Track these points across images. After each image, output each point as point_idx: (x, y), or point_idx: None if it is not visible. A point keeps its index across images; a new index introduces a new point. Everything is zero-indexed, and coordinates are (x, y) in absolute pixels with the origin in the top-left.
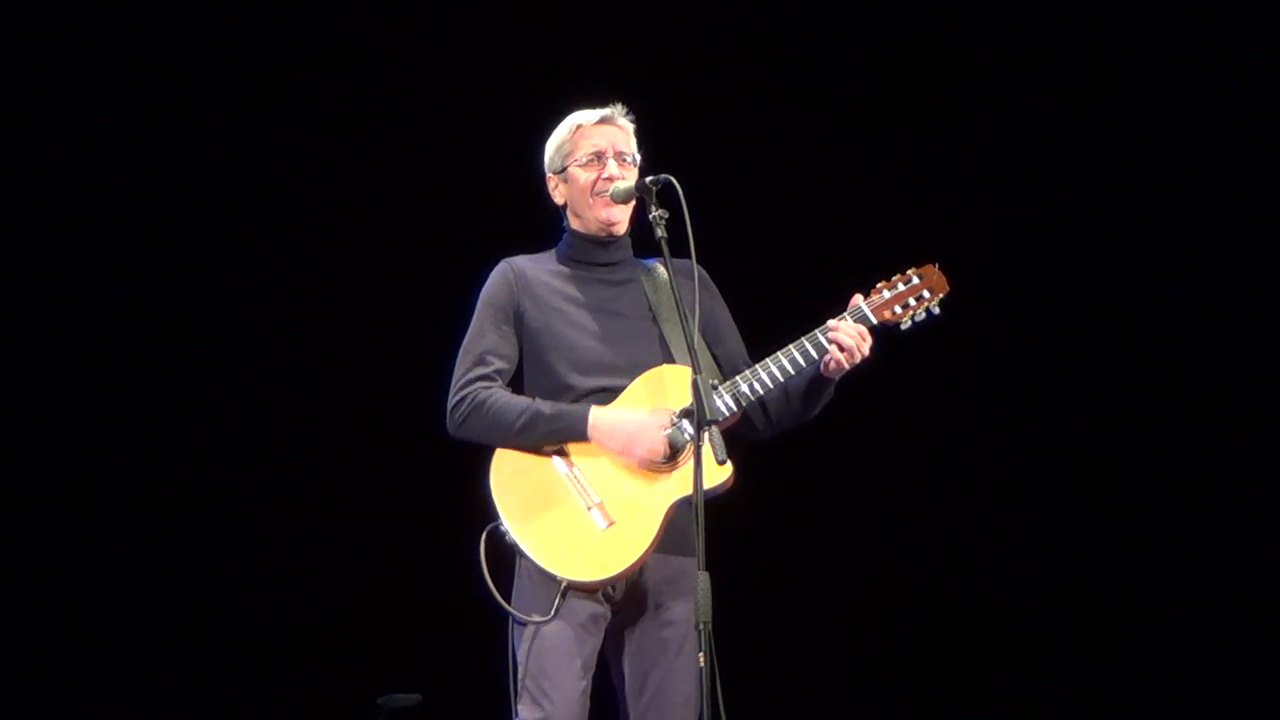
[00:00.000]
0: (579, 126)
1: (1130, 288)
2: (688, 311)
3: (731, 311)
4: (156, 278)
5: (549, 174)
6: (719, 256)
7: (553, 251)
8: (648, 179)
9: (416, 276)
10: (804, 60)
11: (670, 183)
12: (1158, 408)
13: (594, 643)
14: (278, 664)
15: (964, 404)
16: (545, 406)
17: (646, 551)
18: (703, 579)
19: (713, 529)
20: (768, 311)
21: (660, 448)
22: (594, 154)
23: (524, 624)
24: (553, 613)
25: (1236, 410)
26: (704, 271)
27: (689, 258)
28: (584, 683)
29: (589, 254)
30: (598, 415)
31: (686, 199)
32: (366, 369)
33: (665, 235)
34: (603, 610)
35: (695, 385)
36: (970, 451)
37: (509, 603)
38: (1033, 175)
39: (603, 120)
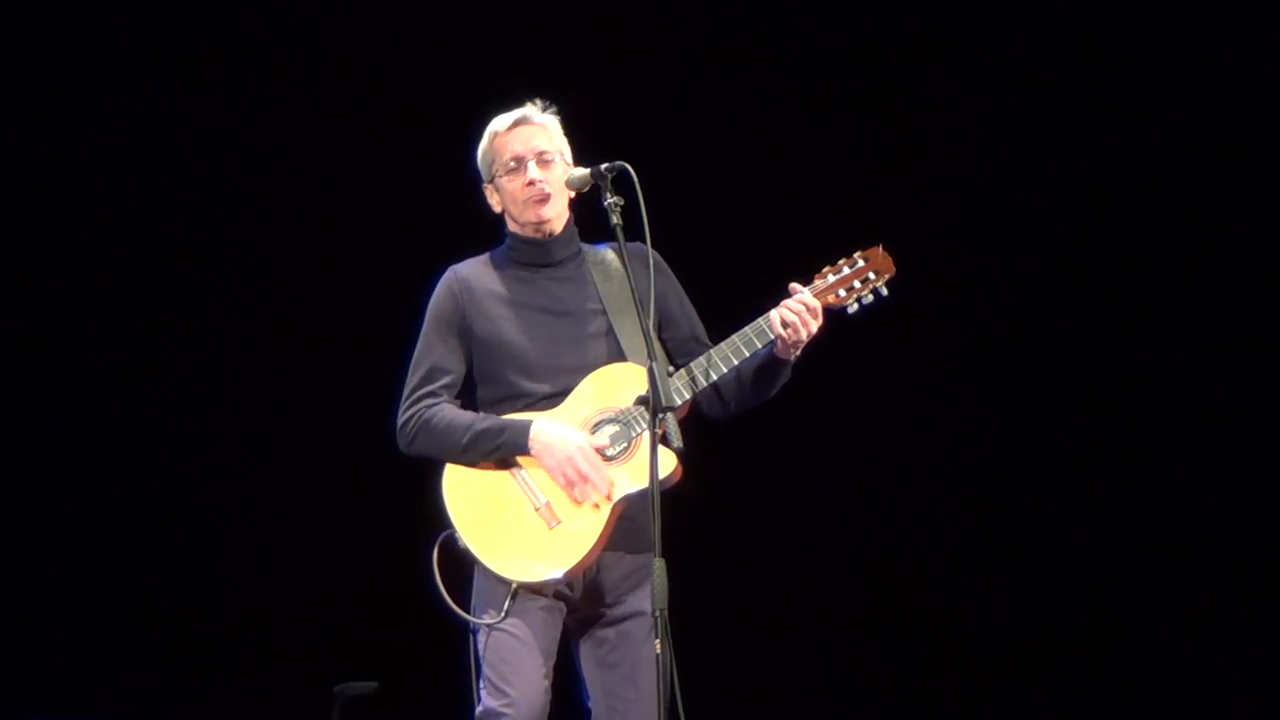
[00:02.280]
0: (495, 135)
1: (1121, 282)
2: (641, 299)
3: (689, 297)
4: (116, 282)
5: (484, 183)
6: (676, 241)
7: (496, 253)
8: (603, 165)
9: (374, 279)
10: (770, 41)
11: (625, 169)
12: (1152, 401)
13: (554, 633)
14: (236, 652)
15: (922, 391)
16: (489, 424)
17: (594, 549)
18: (659, 566)
19: (675, 518)
20: (725, 296)
21: (593, 474)
22: (514, 159)
23: (478, 628)
24: (503, 614)
25: (1238, 407)
26: (658, 255)
27: (645, 242)
28: (545, 668)
29: (532, 255)
30: (537, 432)
31: (642, 184)
32: (328, 368)
33: (620, 222)
34: (560, 604)
35: (651, 372)
36: (933, 440)
37: (469, 601)
38: (1003, 160)
39: (516, 124)
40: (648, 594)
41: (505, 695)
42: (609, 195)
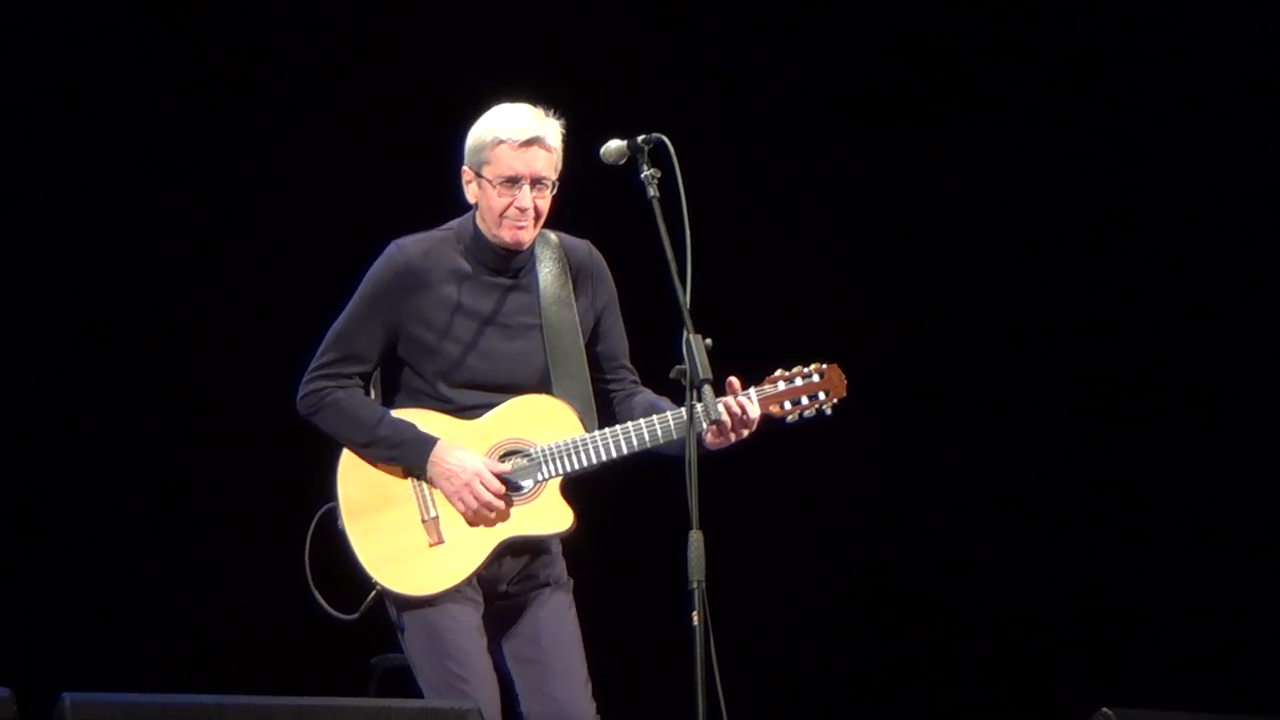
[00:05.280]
0: (498, 141)
1: (1122, 289)
2: (678, 281)
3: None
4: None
5: (465, 165)
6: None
7: (453, 233)
8: (640, 138)
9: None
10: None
11: (662, 141)
12: (1151, 410)
13: (480, 608)
14: (273, 624)
15: (935, 395)
16: (391, 431)
17: (465, 579)
18: (695, 538)
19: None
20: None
21: (484, 509)
22: (510, 177)
23: (334, 617)
24: (358, 614)
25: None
26: (601, 261)
27: (682, 216)
28: (484, 641)
29: (489, 259)
30: (436, 455)
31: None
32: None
33: (657, 194)
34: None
35: (687, 344)
36: (939, 439)
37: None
38: (1022, 172)
39: (528, 143)
40: (540, 564)
41: (466, 684)
42: (646, 168)
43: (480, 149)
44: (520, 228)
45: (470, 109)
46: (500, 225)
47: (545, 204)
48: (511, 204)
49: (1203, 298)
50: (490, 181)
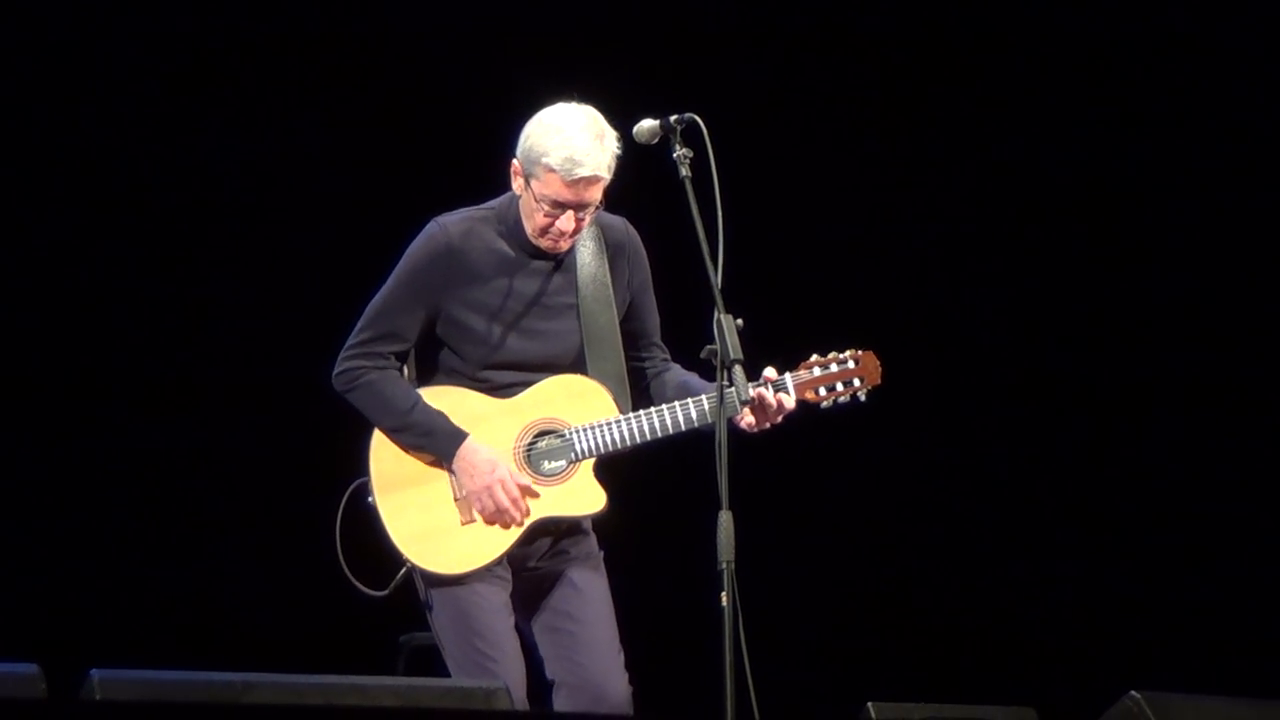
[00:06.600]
0: (553, 171)
1: (1128, 285)
2: (709, 261)
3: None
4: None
5: (516, 158)
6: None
7: (494, 213)
8: (672, 117)
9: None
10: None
11: (695, 121)
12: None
13: (508, 587)
14: (300, 602)
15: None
16: (422, 419)
17: (496, 559)
18: (725, 518)
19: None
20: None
21: (511, 509)
22: (557, 204)
23: (364, 593)
24: (389, 590)
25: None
26: (637, 238)
27: (714, 196)
28: (512, 620)
29: (529, 244)
30: (464, 450)
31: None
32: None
33: (689, 174)
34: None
35: (718, 323)
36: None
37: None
38: (1030, 167)
39: (582, 180)
40: (570, 541)
41: (494, 665)
42: (678, 147)
43: (533, 160)
44: (557, 243)
45: (505, 88)
46: (539, 236)
47: (587, 220)
48: (553, 224)
49: (1236, 283)
50: (536, 197)
